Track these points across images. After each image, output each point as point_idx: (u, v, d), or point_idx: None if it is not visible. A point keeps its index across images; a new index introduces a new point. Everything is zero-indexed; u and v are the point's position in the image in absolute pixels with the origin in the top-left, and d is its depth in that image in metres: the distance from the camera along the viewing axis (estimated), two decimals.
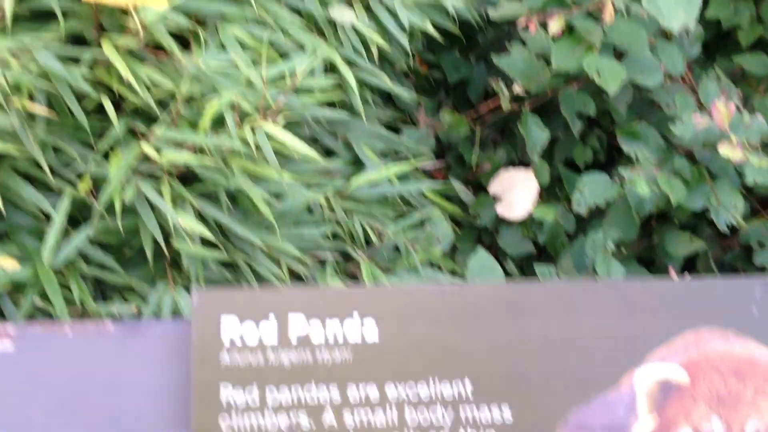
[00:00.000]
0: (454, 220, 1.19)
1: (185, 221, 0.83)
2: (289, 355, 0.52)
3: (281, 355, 0.52)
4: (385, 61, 1.07)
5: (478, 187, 1.25)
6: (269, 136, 0.84)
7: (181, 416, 0.53)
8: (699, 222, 1.16)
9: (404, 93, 1.08)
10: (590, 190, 1.05)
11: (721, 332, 0.54)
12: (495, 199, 1.18)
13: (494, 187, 1.19)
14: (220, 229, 0.90)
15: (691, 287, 0.54)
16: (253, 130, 0.84)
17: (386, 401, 0.53)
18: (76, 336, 0.51)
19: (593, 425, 0.53)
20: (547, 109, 1.22)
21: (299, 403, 0.52)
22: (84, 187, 0.82)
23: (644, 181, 0.95)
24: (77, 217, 0.89)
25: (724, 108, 0.92)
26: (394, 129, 1.15)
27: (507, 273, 1.09)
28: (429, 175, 1.17)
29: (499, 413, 0.53)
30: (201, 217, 0.88)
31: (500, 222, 1.19)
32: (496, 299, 0.53)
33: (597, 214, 1.20)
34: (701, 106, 1.07)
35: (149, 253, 0.84)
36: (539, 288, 0.54)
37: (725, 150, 0.92)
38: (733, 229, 1.16)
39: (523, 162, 1.24)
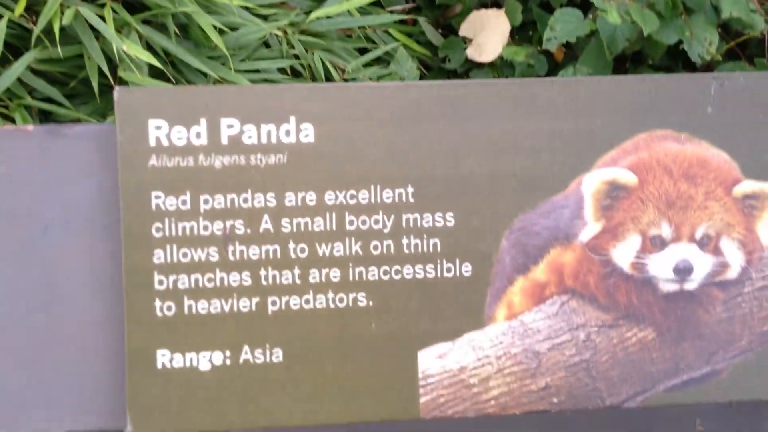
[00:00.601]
0: (424, 64, 1.15)
1: (131, 48, 0.79)
2: (221, 158, 0.50)
3: (213, 159, 0.50)
4: None
5: (450, 31, 1.20)
6: None
7: (112, 225, 0.51)
8: (673, 64, 1.13)
9: None
10: (562, 26, 1.01)
11: (675, 134, 0.52)
12: (465, 41, 1.14)
13: (465, 28, 1.15)
14: (171, 62, 0.86)
15: (644, 84, 0.52)
16: None
17: (325, 208, 0.51)
18: None
19: (538, 231, 0.52)
20: None
21: (234, 208, 0.50)
22: (19, 8, 0.78)
23: (616, 10, 0.90)
24: (19, 47, 0.85)
25: None
26: None
27: None
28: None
29: (442, 219, 0.51)
30: (149, 48, 0.84)
31: (470, 65, 1.15)
32: (439, 99, 0.51)
33: (570, 58, 1.16)
34: None
35: (95, 84, 0.81)
36: (484, 87, 0.51)
37: None
38: (708, 71, 1.13)
39: (497, 4, 1.19)
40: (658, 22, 0.93)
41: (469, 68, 1.16)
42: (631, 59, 1.14)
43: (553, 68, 1.16)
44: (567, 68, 1.04)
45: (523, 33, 1.19)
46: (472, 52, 1.13)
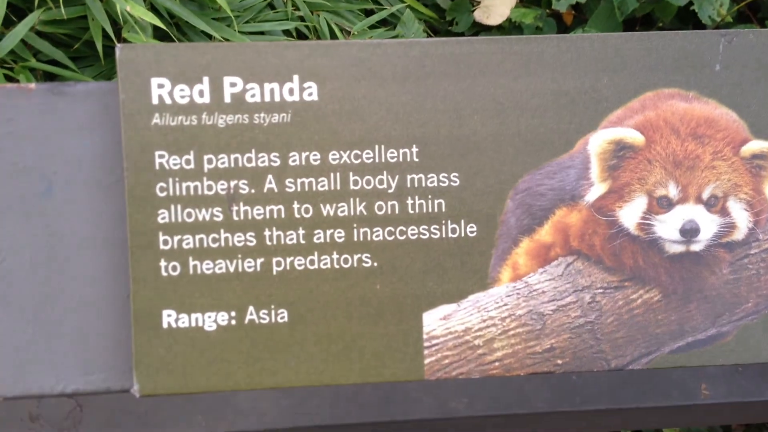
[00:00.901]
0: (431, 27, 1.14)
1: (135, 9, 0.78)
2: (224, 117, 0.49)
3: (216, 118, 0.49)
4: None
5: None
6: None
7: (115, 183, 0.51)
8: (684, 26, 1.12)
9: None
10: None
11: (682, 93, 0.51)
12: (473, 4, 1.12)
13: None
14: (175, 24, 0.86)
15: (651, 41, 0.51)
16: None
17: (329, 167, 0.50)
18: None
19: (544, 191, 0.51)
20: None
21: (238, 168, 0.50)
22: None
23: None
24: (23, 8, 0.84)
25: None
26: None
27: None
28: None
29: (447, 179, 0.51)
30: (153, 9, 0.83)
31: (478, 28, 1.14)
32: (443, 57, 0.50)
33: (580, 22, 1.15)
34: None
35: (99, 46, 0.80)
36: (489, 44, 0.50)
37: None
38: None
39: None
40: None
41: (477, 31, 1.14)
42: (641, 22, 1.12)
43: (563, 31, 1.15)
44: (576, 31, 1.03)
45: None
46: (479, 15, 1.12)
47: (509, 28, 1.12)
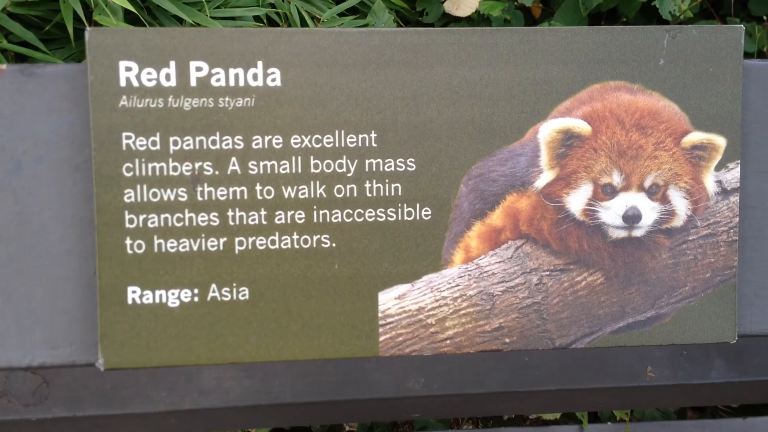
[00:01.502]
0: (401, 17, 1.16)
1: None
2: (190, 100, 0.51)
3: (182, 101, 0.51)
4: None
5: None
6: None
7: (83, 163, 0.52)
8: (647, 21, 1.14)
9: None
10: None
11: (627, 85, 0.54)
12: None
13: None
14: (146, 7, 0.87)
15: (599, 35, 0.53)
16: None
17: (291, 151, 0.52)
18: None
19: (495, 178, 0.53)
20: None
21: (202, 150, 0.52)
22: None
23: None
24: None
25: None
26: None
27: None
28: None
29: (404, 164, 0.53)
30: None
31: (448, 19, 1.16)
32: (402, 46, 0.52)
33: (547, 15, 1.17)
34: None
35: (70, 28, 0.81)
36: (446, 35, 0.52)
37: None
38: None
39: None
40: None
41: (447, 22, 1.16)
42: (606, 17, 1.15)
43: (530, 24, 1.17)
44: (543, 24, 1.06)
45: None
46: (449, 6, 1.14)
47: (478, 20, 1.14)
